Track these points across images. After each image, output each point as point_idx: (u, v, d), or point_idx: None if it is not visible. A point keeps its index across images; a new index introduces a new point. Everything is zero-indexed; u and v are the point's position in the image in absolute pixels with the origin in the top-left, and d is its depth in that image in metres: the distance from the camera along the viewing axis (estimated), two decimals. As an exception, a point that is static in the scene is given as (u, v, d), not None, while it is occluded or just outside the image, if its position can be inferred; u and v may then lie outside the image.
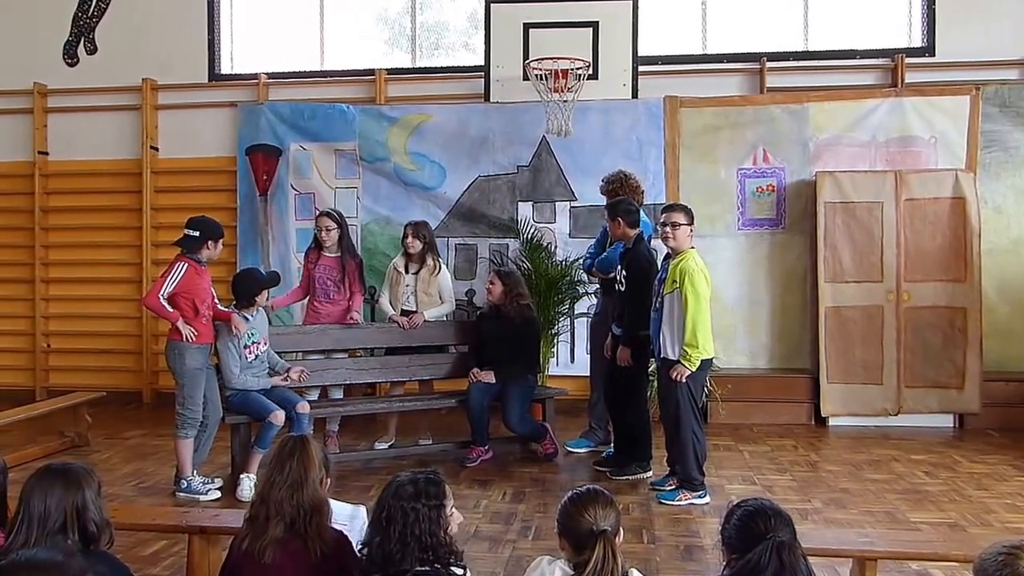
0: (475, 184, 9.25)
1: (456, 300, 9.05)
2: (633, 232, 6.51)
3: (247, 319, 6.40)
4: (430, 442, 7.59)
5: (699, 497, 5.99)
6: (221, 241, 6.30)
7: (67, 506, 2.98)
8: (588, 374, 7.68)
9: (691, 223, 6.01)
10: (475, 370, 7.23)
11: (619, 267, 6.58)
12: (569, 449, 7.36)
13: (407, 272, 7.45)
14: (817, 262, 8.55)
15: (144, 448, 7.71)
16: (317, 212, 7.95)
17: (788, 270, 9.03)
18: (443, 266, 7.50)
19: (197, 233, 6.16)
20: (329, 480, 3.36)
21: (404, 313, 7.41)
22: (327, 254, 7.32)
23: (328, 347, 7.32)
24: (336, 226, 7.26)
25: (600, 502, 2.98)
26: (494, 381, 7.13)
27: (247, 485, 6.15)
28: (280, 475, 3.22)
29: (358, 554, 3.13)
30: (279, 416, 6.24)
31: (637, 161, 8.87)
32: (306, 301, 7.57)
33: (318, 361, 7.30)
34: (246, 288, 6.43)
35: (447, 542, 3.02)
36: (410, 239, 7.36)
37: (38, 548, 2.77)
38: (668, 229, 6.00)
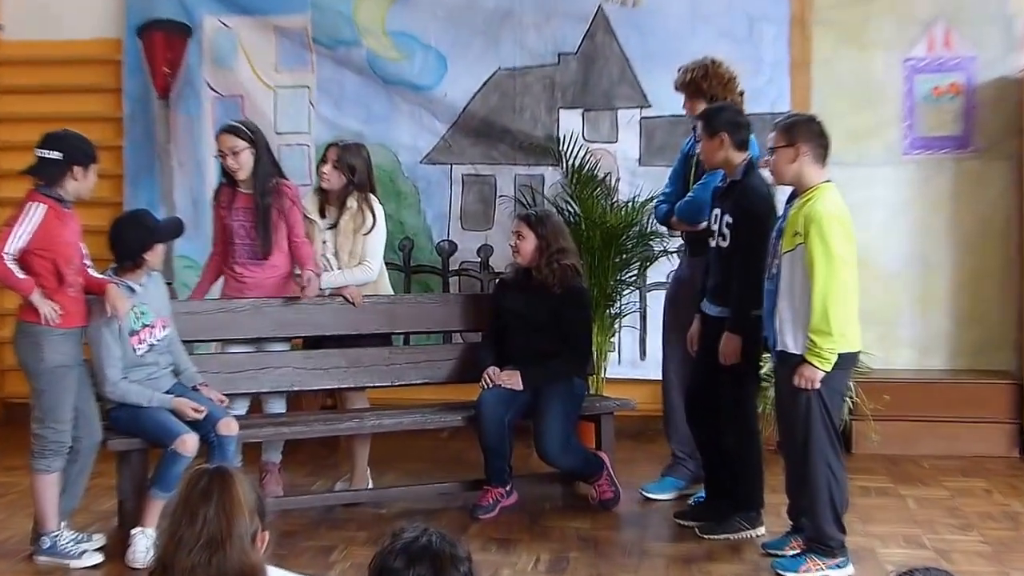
0: (493, 82, 9.29)
1: (464, 263, 9.03)
2: (740, 157, 6.51)
3: (132, 290, 6.37)
4: (346, 485, 7.57)
5: (837, 567, 5.99)
6: (94, 167, 6.28)
7: None
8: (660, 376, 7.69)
9: (796, 144, 5.96)
10: (492, 369, 7.27)
11: (717, 211, 6.59)
12: (647, 495, 7.42)
13: (322, 217, 7.50)
14: (1029, 204, 8.58)
15: (-16, 488, 7.81)
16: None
17: (982, 217, 9.02)
18: (378, 211, 7.49)
19: (58, 155, 6.13)
20: (267, 535, 3.35)
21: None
22: (245, 191, 7.31)
23: (264, 334, 7.35)
24: (247, 144, 7.24)
25: None
26: (521, 387, 7.18)
27: (142, 545, 6.13)
28: (190, 529, 3.21)
29: None
30: (189, 442, 6.22)
31: (745, 45, 8.90)
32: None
33: (248, 355, 7.37)
34: (129, 240, 6.38)
35: None
36: (327, 167, 7.38)
37: None
38: (767, 156, 6.11)
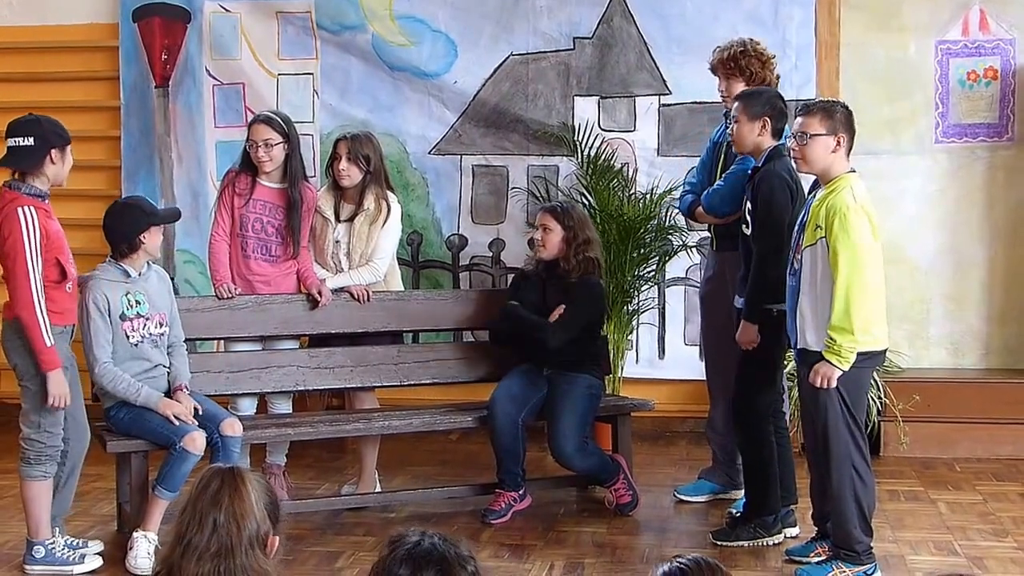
0: (505, 68, 9.28)
1: (475, 257, 9.08)
2: (770, 144, 6.56)
3: (128, 274, 6.41)
4: (353, 488, 7.64)
5: (864, 574, 5.99)
6: (69, 148, 6.25)
7: None
8: (703, 375, 7.77)
9: (837, 133, 5.97)
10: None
11: (746, 198, 6.64)
12: (681, 497, 7.52)
13: (337, 219, 7.51)
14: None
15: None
16: (251, 116, 7.97)
17: (1018, 209, 9.01)
18: (395, 210, 7.53)
19: (30, 142, 6.09)
20: (278, 540, 3.42)
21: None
22: (267, 184, 7.31)
23: (266, 332, 7.41)
24: (281, 139, 7.24)
25: None
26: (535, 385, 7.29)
27: (144, 549, 6.19)
28: (199, 534, 3.26)
29: None
30: (198, 440, 6.25)
31: (770, 30, 8.80)
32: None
33: (251, 354, 7.43)
34: (125, 225, 6.38)
35: None
36: (343, 163, 7.37)
37: None
38: (796, 142, 6.06)
